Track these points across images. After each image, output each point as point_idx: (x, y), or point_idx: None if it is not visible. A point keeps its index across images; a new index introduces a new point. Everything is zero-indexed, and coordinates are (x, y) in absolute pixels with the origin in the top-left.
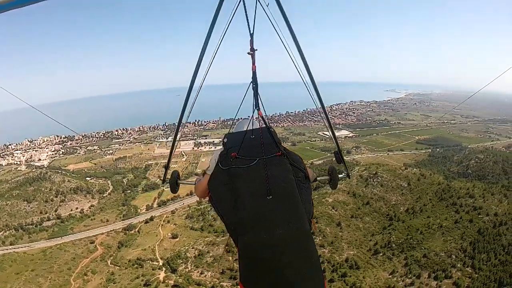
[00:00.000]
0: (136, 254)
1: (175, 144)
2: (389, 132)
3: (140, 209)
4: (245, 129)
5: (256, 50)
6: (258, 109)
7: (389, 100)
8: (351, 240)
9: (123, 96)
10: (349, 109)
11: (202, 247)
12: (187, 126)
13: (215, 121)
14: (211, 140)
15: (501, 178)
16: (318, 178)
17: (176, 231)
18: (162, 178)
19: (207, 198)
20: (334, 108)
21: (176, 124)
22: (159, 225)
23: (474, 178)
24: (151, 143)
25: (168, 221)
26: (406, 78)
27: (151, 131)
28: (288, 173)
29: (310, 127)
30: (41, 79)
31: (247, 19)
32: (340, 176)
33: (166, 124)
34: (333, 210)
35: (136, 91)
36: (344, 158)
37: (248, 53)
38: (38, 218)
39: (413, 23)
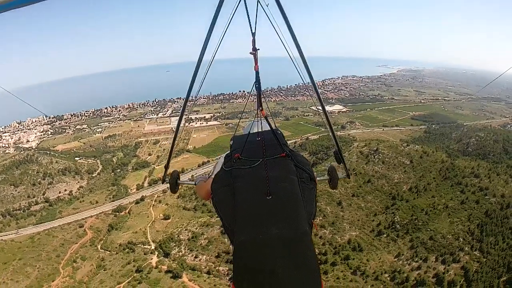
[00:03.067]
0: (127, 237)
1: (175, 145)
2: (383, 108)
3: (131, 189)
4: (253, 131)
5: (258, 49)
6: (262, 109)
7: (381, 75)
8: (353, 220)
9: (109, 75)
10: (341, 84)
11: (196, 228)
12: (177, 102)
13: (206, 96)
14: (202, 116)
15: (503, 157)
16: (317, 179)
17: (168, 211)
18: (162, 178)
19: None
20: (326, 82)
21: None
22: (150, 206)
23: (476, 156)
24: (141, 119)
25: (160, 201)
26: (397, 53)
27: (141, 107)
28: (290, 174)
29: (302, 101)
30: (25, 60)
31: (249, 19)
32: (340, 176)
33: (156, 100)
34: None
35: (123, 68)
36: (341, 151)
37: (250, 53)
38: (25, 203)
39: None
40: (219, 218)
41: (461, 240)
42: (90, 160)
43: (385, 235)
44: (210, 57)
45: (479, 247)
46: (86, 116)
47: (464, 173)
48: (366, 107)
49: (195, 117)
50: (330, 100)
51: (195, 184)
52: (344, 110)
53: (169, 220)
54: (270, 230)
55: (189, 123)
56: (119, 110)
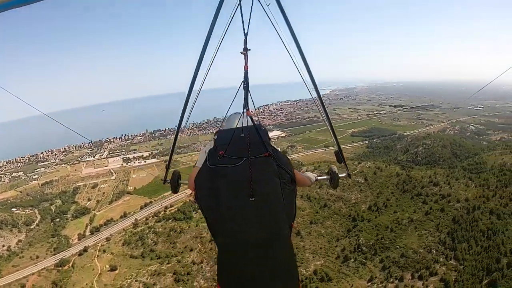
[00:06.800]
0: None
1: (176, 144)
2: (322, 128)
3: (72, 239)
4: (235, 125)
5: (250, 50)
6: (248, 109)
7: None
8: (315, 249)
9: (43, 118)
10: (276, 109)
11: (147, 278)
12: (113, 142)
13: (142, 133)
14: (140, 154)
15: (454, 161)
16: (318, 178)
17: (115, 261)
18: (163, 179)
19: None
20: (261, 110)
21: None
22: (95, 257)
23: (430, 164)
24: (78, 163)
25: (104, 251)
26: (328, 74)
27: (77, 150)
28: (273, 175)
29: None
30: None
31: (242, 19)
32: (340, 175)
33: (92, 142)
34: None
35: (56, 111)
36: (342, 151)
37: (241, 53)
38: None
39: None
40: (202, 213)
41: (434, 252)
42: (27, 210)
43: (352, 260)
44: (211, 56)
45: (454, 255)
46: (22, 162)
47: (422, 183)
48: (304, 130)
49: (133, 156)
50: (268, 126)
51: None
52: (283, 135)
53: (116, 271)
54: (251, 232)
55: (127, 163)
56: (55, 154)
